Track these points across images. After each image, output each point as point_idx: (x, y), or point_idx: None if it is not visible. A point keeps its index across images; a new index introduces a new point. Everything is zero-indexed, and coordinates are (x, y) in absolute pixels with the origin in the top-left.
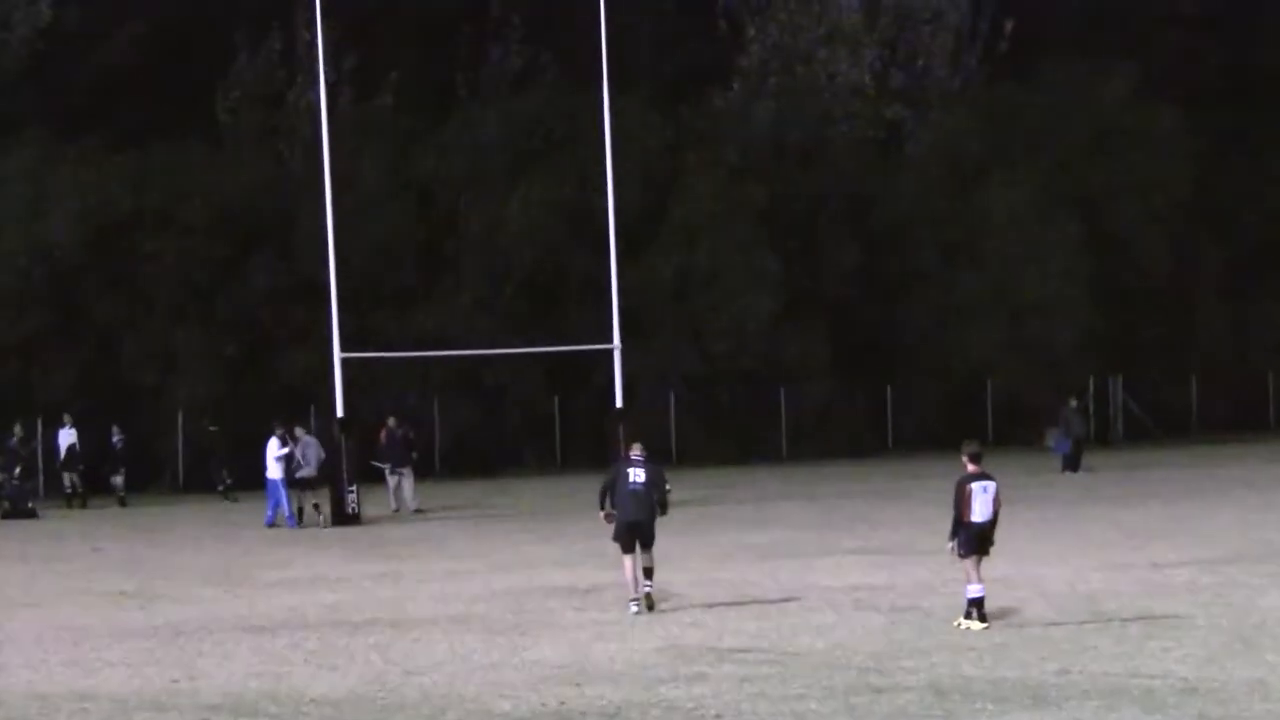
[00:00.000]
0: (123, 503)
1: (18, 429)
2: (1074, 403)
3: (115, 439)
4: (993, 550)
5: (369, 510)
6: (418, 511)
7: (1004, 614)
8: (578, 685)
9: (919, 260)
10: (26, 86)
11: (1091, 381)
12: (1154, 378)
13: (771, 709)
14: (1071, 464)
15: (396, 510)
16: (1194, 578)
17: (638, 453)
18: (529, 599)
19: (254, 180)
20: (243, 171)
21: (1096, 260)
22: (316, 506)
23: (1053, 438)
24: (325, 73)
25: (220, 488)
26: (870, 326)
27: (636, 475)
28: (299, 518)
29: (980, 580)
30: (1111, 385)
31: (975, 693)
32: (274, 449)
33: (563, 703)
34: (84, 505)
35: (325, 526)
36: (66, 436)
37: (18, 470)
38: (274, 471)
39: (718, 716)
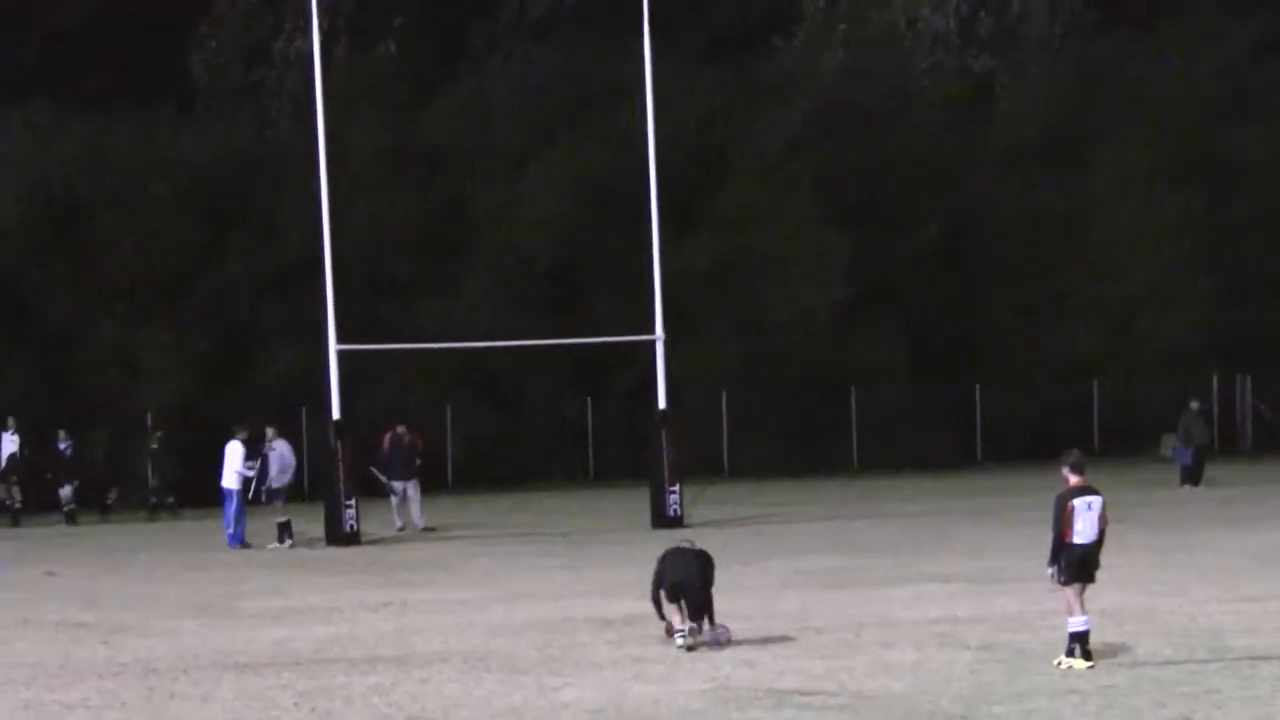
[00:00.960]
0: (71, 519)
1: (11, 425)
2: (1195, 405)
3: (63, 445)
4: (1098, 577)
5: (369, 528)
6: (426, 530)
7: (1113, 651)
8: None
9: (1010, 242)
10: None
11: (1215, 381)
12: None
13: None
14: (1192, 476)
15: (402, 529)
16: None
17: (689, 545)
18: (557, 633)
19: (232, 148)
20: (219, 138)
21: (1221, 242)
22: (285, 525)
23: (1170, 446)
24: (318, 19)
25: (152, 501)
26: (953, 319)
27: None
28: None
29: (1084, 612)
30: (1239, 385)
31: None
32: (236, 455)
33: None
34: (15, 523)
35: (291, 548)
36: (8, 444)
37: (10, 484)
38: (231, 481)
39: None
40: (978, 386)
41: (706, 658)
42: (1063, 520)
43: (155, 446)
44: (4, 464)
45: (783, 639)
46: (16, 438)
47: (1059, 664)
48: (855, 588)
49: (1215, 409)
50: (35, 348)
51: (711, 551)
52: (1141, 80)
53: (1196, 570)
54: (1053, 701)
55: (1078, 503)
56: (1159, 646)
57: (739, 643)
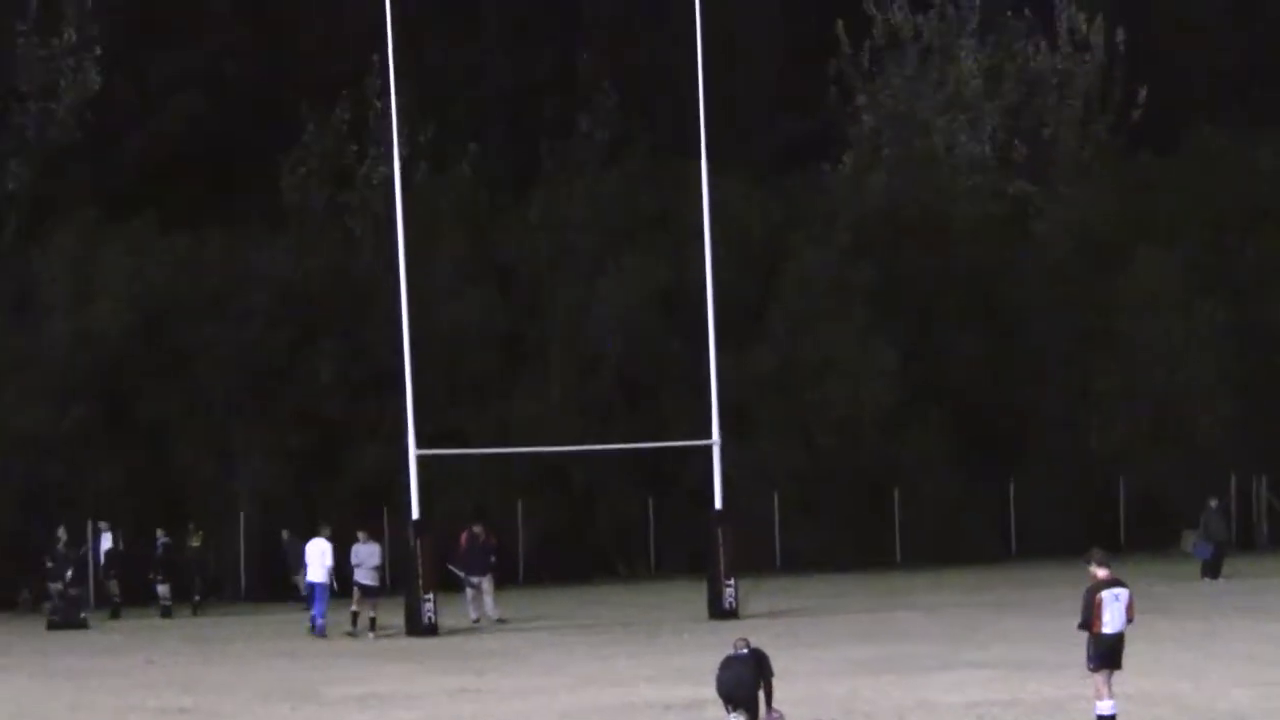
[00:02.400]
0: (167, 613)
1: (62, 532)
2: (1215, 503)
3: (160, 543)
4: (1125, 663)
5: (447, 620)
6: (499, 621)
7: None
8: None
9: (1048, 347)
10: (73, 162)
11: (1234, 479)
12: None
13: None
14: (1212, 570)
15: (477, 620)
16: None
17: (742, 647)
18: (620, 716)
19: (320, 262)
20: (308, 253)
21: (1243, 348)
22: (373, 621)
23: (1191, 541)
24: (399, 145)
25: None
26: (995, 420)
27: (742, 653)
28: (369, 626)
29: (1112, 696)
30: (1256, 484)
31: None
32: (320, 551)
33: None
34: (115, 615)
35: (374, 639)
36: (105, 541)
37: (69, 575)
38: (317, 575)
39: None
40: (1013, 483)
41: None
42: (1093, 611)
43: (196, 544)
44: (103, 561)
45: None
46: (111, 535)
47: None
48: (899, 674)
49: (1234, 506)
50: (133, 448)
51: (766, 641)
52: (1167, 198)
53: (1217, 657)
54: None
55: (1106, 595)
56: None
57: None
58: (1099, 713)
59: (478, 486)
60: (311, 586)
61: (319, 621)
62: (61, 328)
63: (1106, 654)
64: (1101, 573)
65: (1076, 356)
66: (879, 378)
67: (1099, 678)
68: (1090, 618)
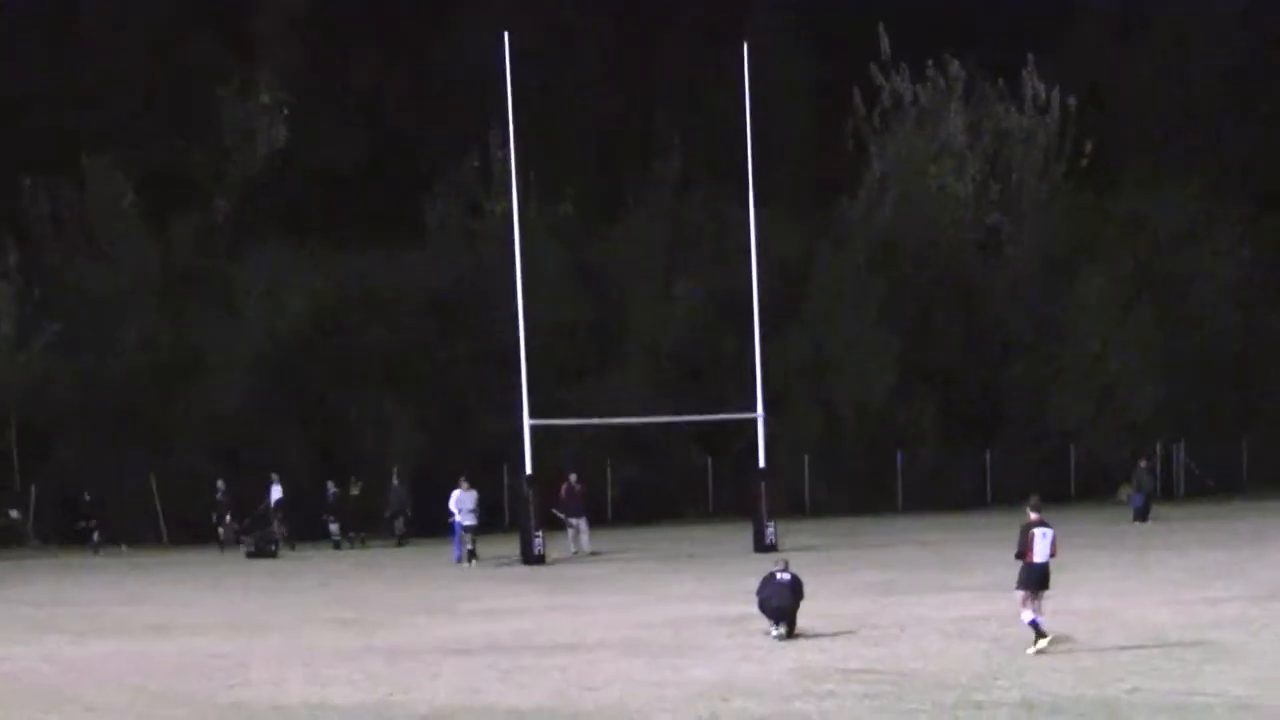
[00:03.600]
0: (336, 546)
1: (275, 478)
2: (1144, 463)
3: (330, 492)
4: (1068, 586)
5: (552, 552)
6: (592, 554)
7: (1084, 641)
8: (725, 700)
9: (1015, 342)
10: (265, 196)
11: (1159, 446)
12: (1213, 442)
13: None
14: (1142, 515)
15: (575, 553)
16: (1244, 611)
17: (783, 568)
18: (686, 627)
19: (456, 274)
20: (446, 267)
21: (1166, 344)
22: (470, 553)
23: (1126, 493)
24: (516, 185)
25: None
26: (974, 398)
27: (783, 576)
28: (468, 557)
29: (1035, 610)
30: (1176, 449)
31: (1060, 708)
32: (459, 497)
33: (714, 714)
34: (291, 548)
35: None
36: (275, 491)
37: (278, 520)
38: (460, 516)
39: None
40: (990, 449)
41: (794, 645)
42: (1026, 543)
43: (356, 493)
44: (274, 506)
45: (848, 632)
46: (280, 487)
47: (1032, 651)
48: (899, 595)
49: (1159, 466)
50: (310, 421)
51: (797, 568)
52: (1107, 226)
53: (1145, 582)
54: (1041, 677)
55: (1036, 532)
56: (1118, 638)
57: (818, 635)
58: (1023, 620)
59: (575, 448)
60: (454, 525)
61: (456, 556)
62: (256, 325)
63: (1034, 578)
64: (1034, 515)
65: (1037, 350)
66: (885, 365)
67: (1023, 595)
68: (1024, 549)
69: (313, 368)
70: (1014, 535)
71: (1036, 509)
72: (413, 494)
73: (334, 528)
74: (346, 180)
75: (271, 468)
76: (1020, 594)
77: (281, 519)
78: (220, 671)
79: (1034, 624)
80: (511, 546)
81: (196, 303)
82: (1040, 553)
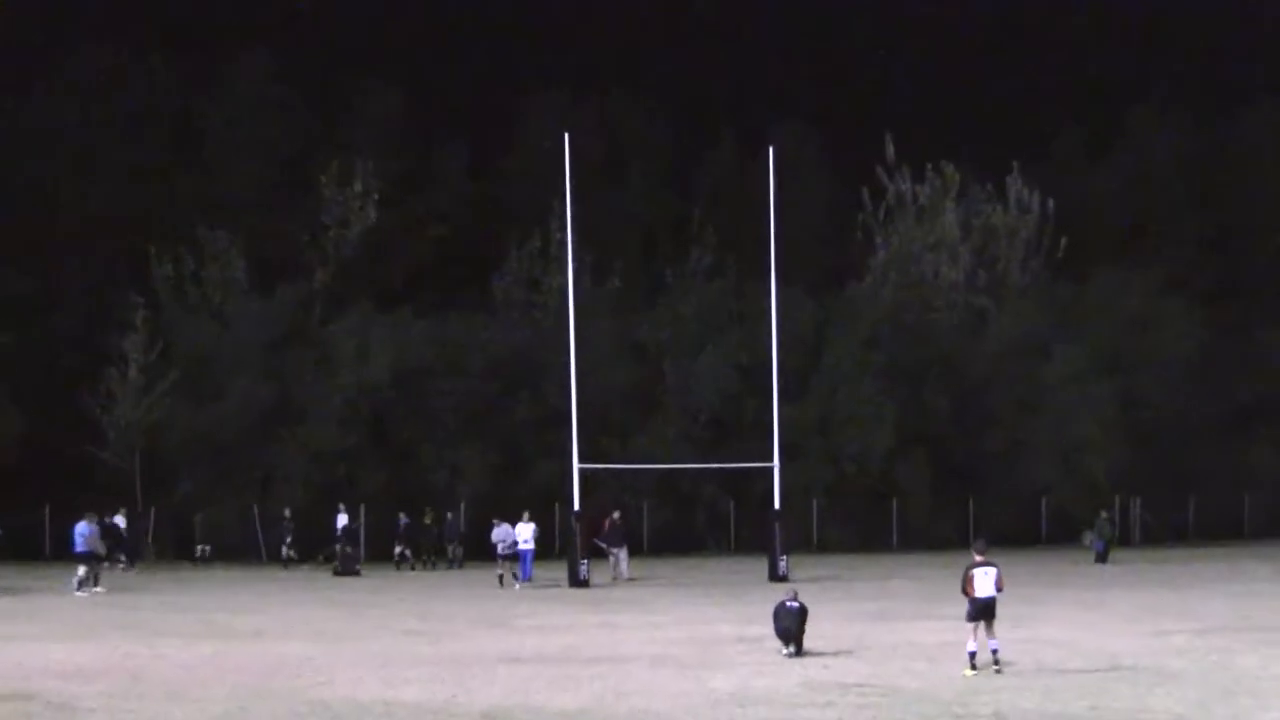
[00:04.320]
0: (398, 567)
1: (342, 508)
2: (1105, 514)
3: (402, 522)
4: (1037, 618)
5: (595, 578)
6: (630, 580)
7: (1048, 664)
8: (741, 707)
9: (997, 409)
10: (356, 269)
11: (1117, 499)
12: (1163, 497)
13: None
14: (1102, 559)
15: (614, 579)
16: (1189, 642)
17: (792, 597)
18: (709, 644)
19: (517, 340)
20: (510, 334)
21: (1125, 414)
22: (502, 576)
23: (1089, 538)
24: (571, 264)
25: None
26: (960, 455)
27: (792, 604)
28: (501, 581)
29: (978, 640)
30: (1132, 502)
31: None
32: (518, 530)
33: (731, 719)
34: (355, 573)
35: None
36: (341, 519)
37: (341, 545)
38: (524, 545)
39: None
40: (972, 499)
41: (801, 663)
42: (966, 582)
43: (429, 522)
44: (340, 533)
45: (848, 652)
46: (346, 515)
47: (965, 675)
48: (892, 622)
49: (1117, 517)
50: (391, 462)
51: (805, 596)
52: (1077, 311)
53: (1104, 616)
54: (1013, 695)
55: (977, 571)
56: (1080, 662)
57: (822, 654)
58: (968, 649)
59: (617, 490)
60: (518, 553)
61: (524, 576)
62: (347, 379)
63: (977, 612)
64: (978, 556)
65: (1015, 417)
66: (883, 425)
67: (970, 627)
68: (965, 586)
69: (394, 417)
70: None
71: (981, 551)
72: (472, 526)
73: (399, 550)
74: (426, 257)
75: (359, 500)
76: (969, 625)
77: (345, 542)
78: (307, 672)
79: (971, 655)
80: (560, 572)
81: (296, 359)
82: (982, 589)
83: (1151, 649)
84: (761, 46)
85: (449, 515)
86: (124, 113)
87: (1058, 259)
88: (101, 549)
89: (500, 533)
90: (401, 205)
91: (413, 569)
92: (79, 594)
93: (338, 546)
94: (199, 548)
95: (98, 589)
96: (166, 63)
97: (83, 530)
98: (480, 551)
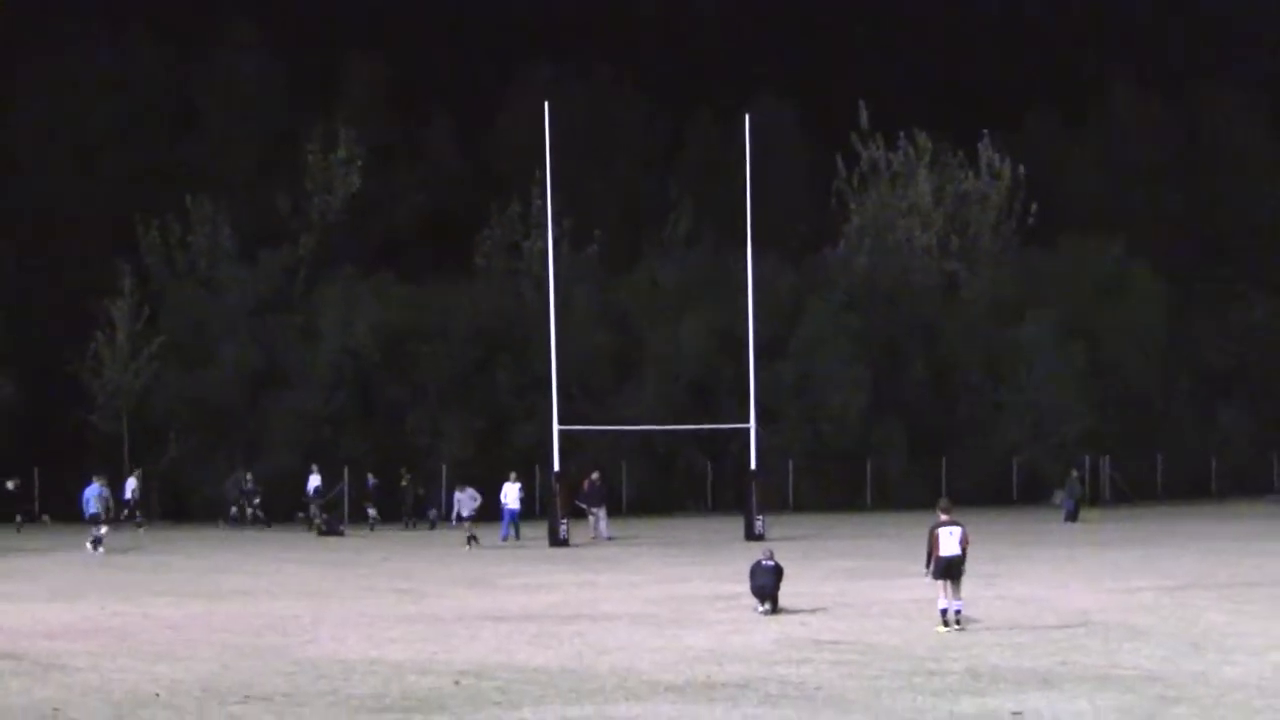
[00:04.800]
0: (372, 528)
1: (371, 477)
2: (1074, 474)
3: (370, 483)
4: (1010, 575)
5: (575, 537)
6: (609, 539)
7: (1020, 622)
8: (719, 664)
9: (969, 372)
10: (340, 236)
11: (1087, 460)
12: (1132, 458)
13: (856, 685)
14: (1072, 517)
15: (594, 538)
16: (1156, 599)
17: (768, 556)
18: (686, 602)
19: (499, 306)
20: (491, 299)
21: (1095, 377)
22: (472, 538)
23: (1059, 498)
24: (552, 231)
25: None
26: (933, 419)
27: (768, 563)
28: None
29: (949, 597)
30: (1101, 462)
31: (1001, 677)
32: (509, 489)
33: (708, 676)
34: (340, 534)
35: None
36: (313, 480)
37: (315, 505)
38: (510, 503)
39: (818, 688)
40: (945, 460)
41: (776, 620)
42: (932, 541)
43: (405, 484)
44: (312, 494)
45: (823, 609)
46: (319, 476)
47: (939, 631)
48: (867, 579)
49: (1087, 477)
50: (374, 423)
51: (781, 555)
52: (1047, 278)
53: (1074, 573)
54: (986, 651)
55: (941, 531)
56: (1051, 619)
57: (798, 611)
58: (939, 607)
59: (597, 451)
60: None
61: (503, 536)
62: (331, 344)
63: (942, 570)
64: (943, 516)
65: (987, 381)
66: (858, 387)
67: (939, 584)
68: (930, 544)
69: (378, 381)
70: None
71: (946, 510)
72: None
73: (372, 512)
74: (409, 223)
75: (344, 463)
76: (937, 583)
77: (321, 505)
78: (294, 631)
79: (943, 611)
80: (541, 531)
81: (281, 325)
82: (947, 547)
83: (1120, 605)
84: (739, 16)
85: (406, 482)
86: (111, 82)
87: (1029, 225)
88: (109, 511)
89: (464, 497)
90: (386, 173)
91: (371, 529)
92: (97, 551)
93: (312, 507)
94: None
95: (100, 550)
96: (154, 33)
97: (96, 491)
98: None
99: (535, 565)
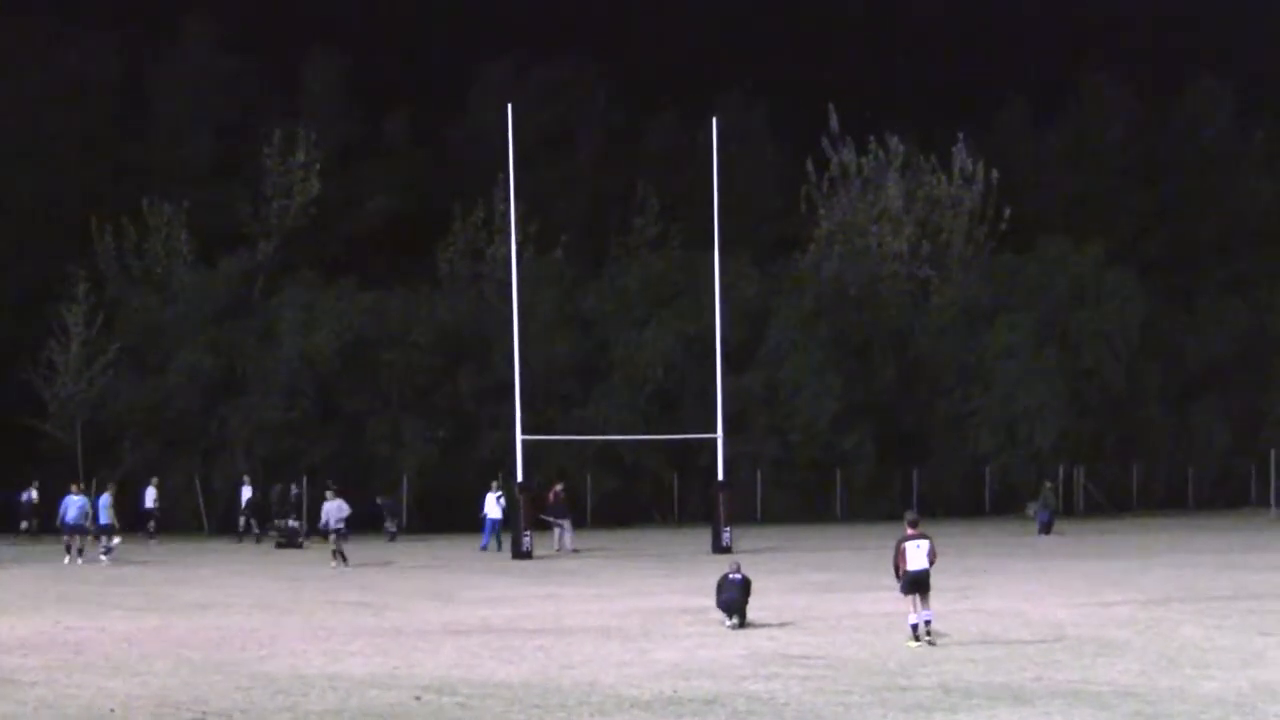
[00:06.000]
0: (240, 539)
1: (295, 487)
2: (1048, 484)
3: (294, 492)
4: (983, 588)
5: (539, 550)
6: (574, 552)
7: (995, 635)
8: (686, 679)
9: (940, 379)
10: (300, 241)
11: (1061, 469)
12: (1107, 468)
13: (825, 700)
14: (1046, 529)
15: (559, 550)
16: (1132, 613)
17: (735, 569)
18: (652, 616)
19: (462, 311)
20: (455, 305)
21: (1067, 384)
22: (336, 552)
23: (1032, 509)
24: (515, 236)
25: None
26: (904, 426)
27: (735, 576)
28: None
29: (917, 611)
30: (1076, 472)
31: (973, 692)
32: (490, 499)
33: (675, 691)
34: (257, 541)
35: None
36: (245, 491)
37: (291, 517)
38: (492, 513)
39: (785, 704)
40: (917, 469)
41: (745, 634)
42: (898, 556)
43: (381, 500)
44: (244, 506)
45: (792, 623)
46: (251, 488)
47: (909, 646)
48: (837, 593)
49: (1061, 487)
50: (336, 433)
51: (748, 568)
52: (1020, 283)
53: (1048, 586)
54: (958, 666)
55: (908, 545)
56: (1024, 633)
57: (766, 625)
58: (909, 621)
59: (562, 462)
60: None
61: (485, 543)
62: (291, 350)
63: (910, 584)
64: (910, 529)
65: (959, 386)
66: (829, 395)
67: (908, 599)
68: (896, 560)
69: (338, 389)
70: (936, 544)
71: (913, 524)
72: (418, 500)
73: (294, 524)
74: (370, 228)
75: (300, 474)
76: (906, 598)
77: (249, 515)
78: (251, 645)
79: (913, 626)
80: (505, 543)
81: (240, 331)
82: (914, 561)
83: (1095, 619)
84: (706, 17)
85: (294, 489)
86: (66, 82)
87: (1001, 230)
88: (91, 526)
89: (330, 508)
90: (345, 176)
91: (257, 541)
92: (105, 559)
93: (241, 519)
94: (152, 522)
95: (79, 560)
96: (109, 32)
97: (105, 502)
98: (421, 525)
99: (498, 578)
